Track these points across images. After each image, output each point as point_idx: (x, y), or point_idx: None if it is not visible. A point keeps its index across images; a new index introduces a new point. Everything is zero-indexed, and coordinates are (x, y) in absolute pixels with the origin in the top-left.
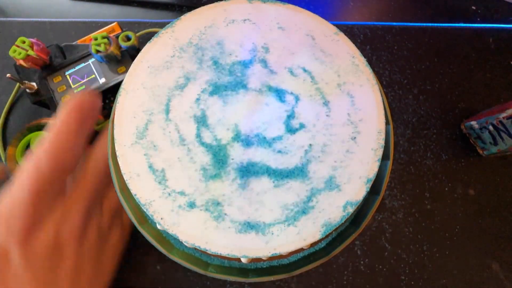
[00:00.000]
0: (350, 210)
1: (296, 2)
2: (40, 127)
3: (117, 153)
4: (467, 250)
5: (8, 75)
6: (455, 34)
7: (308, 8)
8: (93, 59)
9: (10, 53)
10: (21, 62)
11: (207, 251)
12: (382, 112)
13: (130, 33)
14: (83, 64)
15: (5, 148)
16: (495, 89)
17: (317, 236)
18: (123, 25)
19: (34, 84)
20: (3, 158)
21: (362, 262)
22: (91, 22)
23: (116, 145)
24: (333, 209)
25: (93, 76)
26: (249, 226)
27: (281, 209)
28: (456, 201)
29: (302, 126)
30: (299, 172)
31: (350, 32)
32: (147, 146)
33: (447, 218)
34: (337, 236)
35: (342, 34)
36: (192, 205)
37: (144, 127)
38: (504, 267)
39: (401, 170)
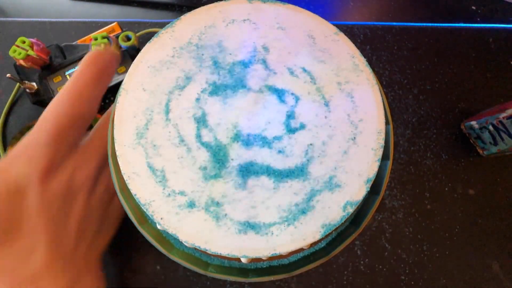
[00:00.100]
0: (350, 210)
1: (296, 2)
2: None
3: (117, 153)
4: (467, 250)
5: (8, 75)
6: (455, 34)
7: (308, 8)
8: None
9: (10, 53)
10: (21, 62)
11: (207, 251)
12: (382, 112)
13: (130, 33)
14: None
15: (5, 148)
16: (495, 89)
17: (317, 236)
18: (123, 25)
19: (34, 84)
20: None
21: (362, 262)
22: (91, 22)
23: (116, 145)
24: (333, 209)
25: None
26: (249, 226)
27: (281, 209)
28: (456, 201)
29: (302, 126)
30: (299, 172)
31: (350, 32)
32: (147, 146)
33: (447, 218)
34: (337, 236)
35: (342, 34)
36: (192, 205)
37: (144, 127)
38: (504, 267)
39: (401, 170)
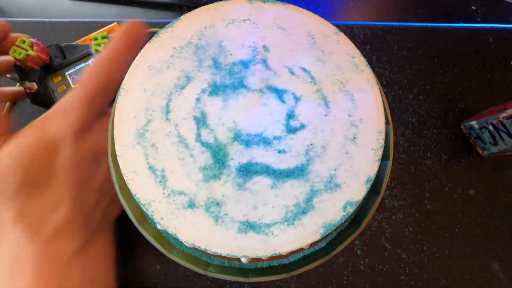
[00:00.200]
0: (350, 210)
1: (296, 2)
2: None
3: (117, 153)
4: (467, 250)
5: (8, 75)
6: (455, 34)
7: (308, 8)
8: (93, 59)
9: (10, 53)
10: (21, 62)
11: (207, 251)
12: (382, 112)
13: None
14: (83, 64)
15: None
16: (495, 89)
17: (317, 236)
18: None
19: (34, 84)
20: None
21: (362, 262)
22: (91, 22)
23: (116, 145)
24: (333, 209)
25: None
26: (249, 226)
27: (281, 209)
28: (456, 201)
29: (302, 126)
30: (299, 172)
31: (350, 32)
32: (147, 146)
33: (447, 218)
34: (337, 236)
35: (342, 34)
36: (192, 205)
37: (144, 127)
38: (504, 267)
39: (401, 170)
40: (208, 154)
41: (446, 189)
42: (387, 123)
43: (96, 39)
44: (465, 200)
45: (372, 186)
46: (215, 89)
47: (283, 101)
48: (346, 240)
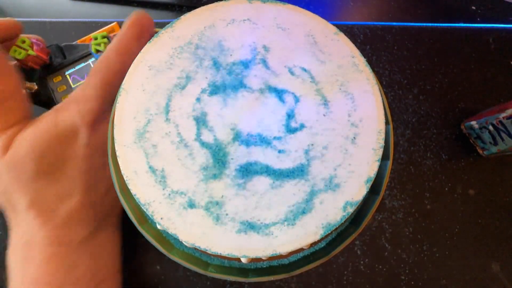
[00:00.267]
0: (350, 210)
1: (296, 2)
2: None
3: (117, 153)
4: (467, 250)
5: None
6: (455, 34)
7: (308, 8)
8: (93, 59)
9: (10, 53)
10: (21, 62)
11: (207, 251)
12: (382, 112)
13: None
14: (83, 64)
15: None
16: (495, 89)
17: (317, 236)
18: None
19: (34, 84)
20: None
21: (362, 262)
22: (91, 22)
23: (116, 145)
24: (333, 209)
25: None
26: (249, 226)
27: (281, 209)
28: (456, 201)
29: (302, 126)
30: (299, 172)
31: (350, 32)
32: (147, 146)
33: (447, 218)
34: (337, 236)
35: (342, 34)
36: (192, 205)
37: (144, 127)
38: (504, 267)
39: (401, 170)
40: (208, 154)
41: (446, 189)
42: (387, 123)
43: (96, 38)
44: (465, 200)
45: (372, 186)
46: (215, 89)
47: (283, 101)
48: (346, 240)
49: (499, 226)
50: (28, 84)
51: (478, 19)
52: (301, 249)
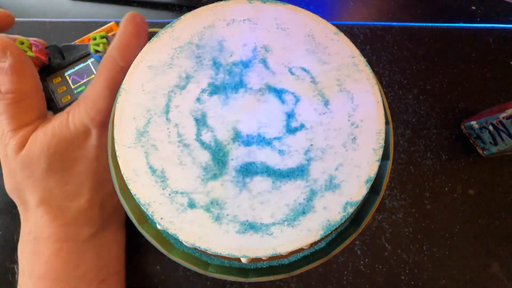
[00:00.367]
0: (350, 210)
1: (296, 2)
2: None
3: (117, 153)
4: (467, 250)
5: None
6: (455, 34)
7: (308, 8)
8: (92, 59)
9: None
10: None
11: (207, 251)
12: (382, 112)
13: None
14: (82, 64)
15: None
16: (495, 89)
17: (317, 236)
18: None
19: None
20: None
21: (362, 262)
22: (91, 22)
23: (116, 145)
24: (333, 209)
25: (93, 76)
26: (249, 226)
27: (281, 209)
28: (456, 201)
29: (302, 126)
30: (299, 172)
31: (350, 32)
32: (147, 146)
33: (447, 218)
34: (337, 236)
35: (342, 34)
36: (192, 205)
37: (144, 127)
38: (504, 267)
39: (401, 170)
40: (208, 154)
41: (446, 189)
42: (387, 123)
43: (94, 39)
44: (465, 200)
45: (372, 186)
46: (215, 89)
47: (283, 101)
48: (346, 240)
49: (499, 226)
50: None
51: (478, 19)
52: (301, 249)
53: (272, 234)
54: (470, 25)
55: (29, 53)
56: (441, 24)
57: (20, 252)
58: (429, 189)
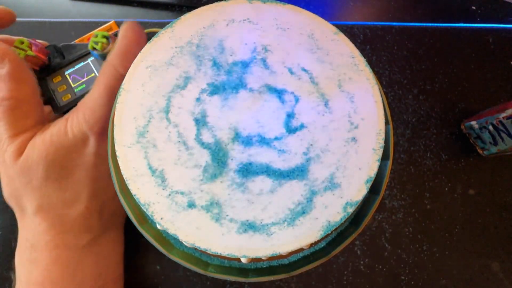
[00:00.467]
0: (350, 210)
1: (296, 2)
2: None
3: (117, 153)
4: (467, 250)
5: None
6: (455, 34)
7: (308, 8)
8: (92, 58)
9: None
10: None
11: (207, 251)
12: (382, 112)
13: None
14: (82, 63)
15: None
16: (495, 89)
17: (317, 236)
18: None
19: None
20: None
21: (362, 262)
22: (90, 22)
23: (116, 145)
24: (333, 209)
25: (93, 74)
26: (249, 226)
27: (281, 209)
28: (456, 201)
29: (302, 126)
30: (299, 172)
31: (350, 32)
32: (147, 146)
33: (447, 218)
34: (337, 236)
35: (342, 34)
36: (191, 205)
37: (144, 127)
38: (504, 267)
39: (401, 170)
40: (208, 154)
41: (446, 189)
42: (387, 123)
43: (96, 36)
44: (465, 200)
45: (372, 186)
46: (215, 89)
47: (283, 101)
48: (346, 240)
49: (499, 226)
50: None
51: (478, 19)
52: (301, 249)
53: (272, 234)
54: (470, 25)
55: (29, 52)
56: (441, 24)
57: (18, 260)
58: (429, 189)
